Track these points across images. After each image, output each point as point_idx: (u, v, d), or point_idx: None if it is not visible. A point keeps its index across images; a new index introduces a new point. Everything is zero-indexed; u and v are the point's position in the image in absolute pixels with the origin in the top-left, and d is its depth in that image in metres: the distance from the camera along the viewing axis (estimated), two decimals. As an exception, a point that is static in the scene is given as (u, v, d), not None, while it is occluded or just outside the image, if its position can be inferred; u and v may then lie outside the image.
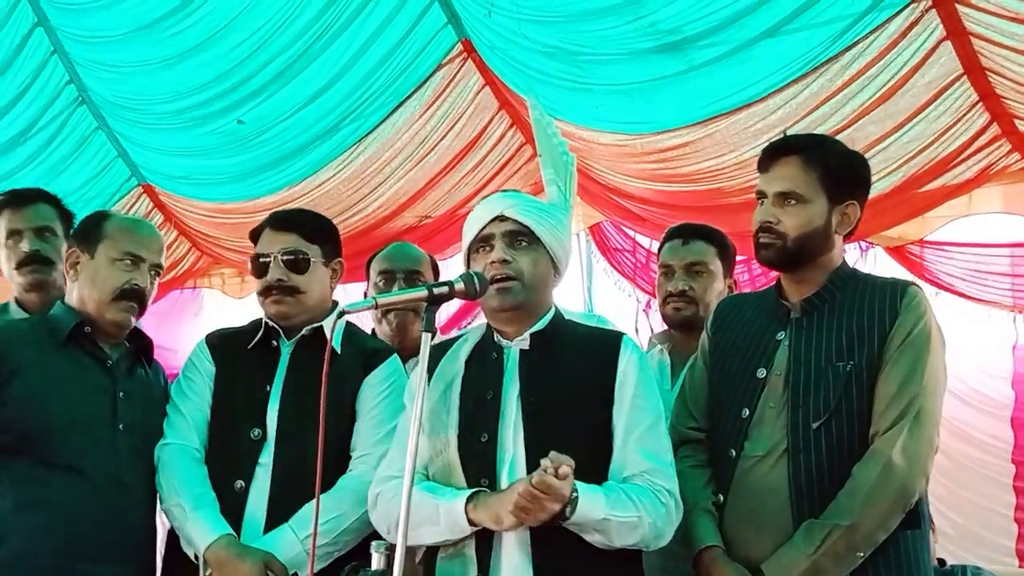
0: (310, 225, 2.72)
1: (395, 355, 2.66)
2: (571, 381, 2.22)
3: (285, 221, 2.71)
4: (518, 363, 2.25)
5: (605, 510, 2.09)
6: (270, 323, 2.65)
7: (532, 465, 2.12)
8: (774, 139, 2.50)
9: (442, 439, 2.22)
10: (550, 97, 4.58)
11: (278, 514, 2.47)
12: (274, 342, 2.65)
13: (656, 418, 2.26)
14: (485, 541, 2.16)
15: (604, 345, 2.28)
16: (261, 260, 2.65)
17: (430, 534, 2.16)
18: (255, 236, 2.73)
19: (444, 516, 2.12)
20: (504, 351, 2.28)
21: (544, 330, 2.27)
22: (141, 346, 2.73)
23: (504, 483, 2.16)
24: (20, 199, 3.11)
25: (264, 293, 2.64)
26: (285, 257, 2.62)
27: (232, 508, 2.49)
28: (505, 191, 2.38)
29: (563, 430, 2.17)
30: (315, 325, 2.61)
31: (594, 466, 2.17)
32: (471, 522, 2.10)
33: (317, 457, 1.96)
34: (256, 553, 2.40)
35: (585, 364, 2.24)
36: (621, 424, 2.21)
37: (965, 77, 4.02)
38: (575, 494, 2.04)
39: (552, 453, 2.00)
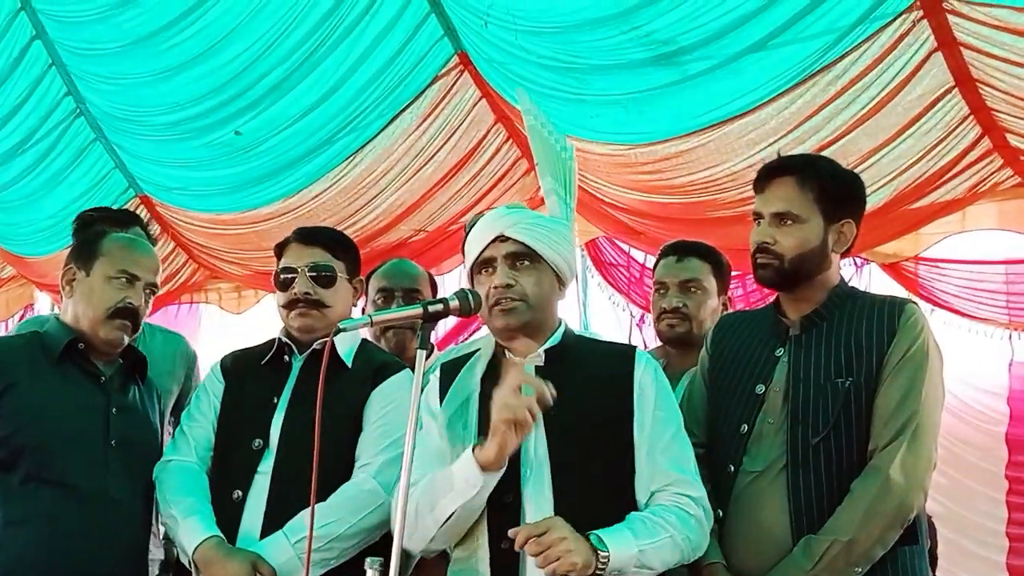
0: (336, 241, 2.74)
1: (406, 369, 2.64)
2: (589, 395, 2.20)
3: (312, 236, 2.73)
4: None
5: (636, 542, 2.06)
6: (283, 339, 2.67)
7: (558, 480, 2.13)
8: (763, 158, 2.52)
9: (459, 450, 2.18)
10: (545, 108, 4.56)
11: (275, 523, 2.45)
12: (286, 357, 2.66)
13: (677, 427, 2.26)
14: (503, 560, 2.14)
15: (618, 359, 2.28)
16: (286, 274, 2.66)
17: (450, 503, 2.10)
18: (280, 250, 2.74)
19: (457, 472, 2.09)
20: None
21: (557, 346, 2.26)
22: (135, 363, 2.74)
23: (529, 499, 2.15)
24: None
25: (288, 306, 2.65)
26: (312, 271, 2.64)
27: (229, 518, 2.49)
28: (507, 206, 2.35)
29: (585, 443, 2.16)
30: (325, 339, 2.58)
31: (617, 478, 2.17)
32: (482, 467, 2.06)
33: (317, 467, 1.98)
34: (244, 554, 2.40)
35: (601, 378, 2.23)
36: (644, 438, 2.20)
37: (956, 89, 4.03)
38: (599, 545, 2.02)
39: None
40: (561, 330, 2.29)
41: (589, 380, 2.22)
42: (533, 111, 2.43)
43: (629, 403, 2.21)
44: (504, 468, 2.09)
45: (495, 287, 2.21)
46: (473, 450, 2.07)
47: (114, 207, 3.50)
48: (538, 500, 2.14)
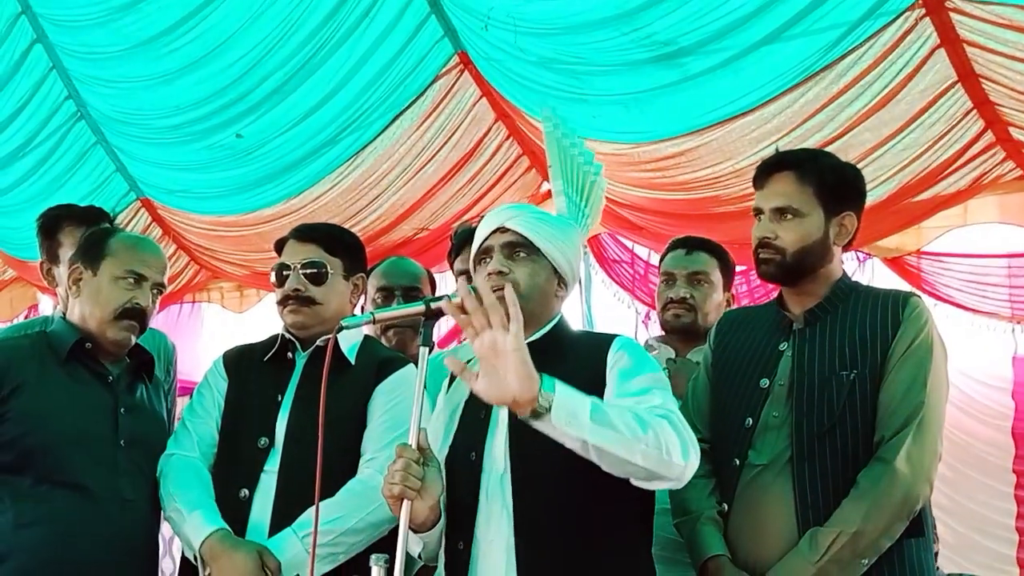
0: (333, 238, 2.73)
1: (410, 364, 2.63)
2: None
3: (308, 233, 2.73)
4: None
5: (591, 398, 1.90)
6: (286, 335, 2.67)
7: (517, 484, 2.09)
8: (767, 155, 2.52)
9: (441, 453, 2.19)
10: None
11: (282, 521, 2.45)
12: (289, 354, 2.66)
13: (652, 380, 2.08)
14: (454, 558, 2.13)
15: (596, 348, 2.19)
16: (282, 271, 2.67)
17: (413, 546, 2.12)
18: (279, 247, 2.75)
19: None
20: None
21: (537, 341, 2.18)
22: (142, 362, 2.73)
23: (483, 502, 2.12)
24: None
25: (282, 302, 2.66)
26: (304, 269, 2.64)
27: (236, 517, 2.48)
28: (512, 204, 2.33)
29: (550, 443, 1.95)
30: (328, 336, 2.59)
31: (588, 479, 2.00)
32: (414, 529, 2.07)
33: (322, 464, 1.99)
34: (250, 545, 2.40)
35: (576, 371, 2.09)
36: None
37: (959, 84, 4.04)
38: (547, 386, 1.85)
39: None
40: (549, 326, 2.22)
41: (565, 376, 2.06)
42: (554, 121, 2.40)
43: (600, 391, 2.08)
44: (440, 518, 2.09)
45: (488, 274, 2.18)
46: None
47: (109, 208, 3.39)
48: (496, 505, 2.10)
